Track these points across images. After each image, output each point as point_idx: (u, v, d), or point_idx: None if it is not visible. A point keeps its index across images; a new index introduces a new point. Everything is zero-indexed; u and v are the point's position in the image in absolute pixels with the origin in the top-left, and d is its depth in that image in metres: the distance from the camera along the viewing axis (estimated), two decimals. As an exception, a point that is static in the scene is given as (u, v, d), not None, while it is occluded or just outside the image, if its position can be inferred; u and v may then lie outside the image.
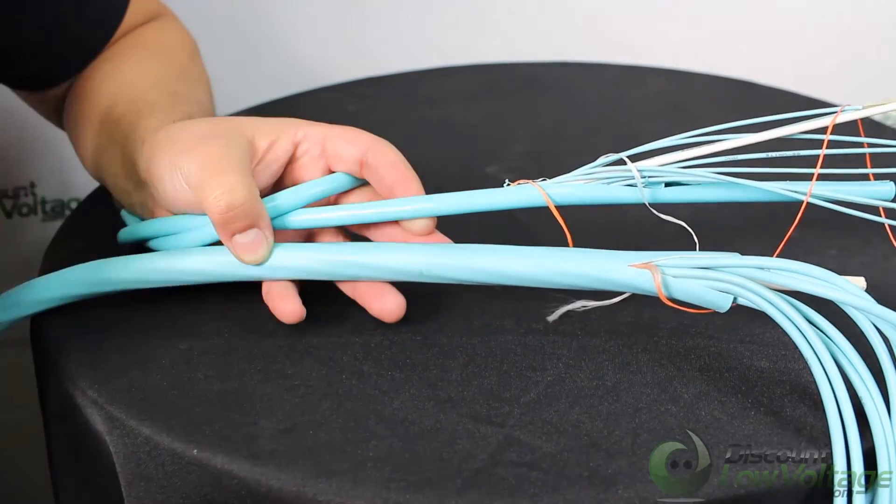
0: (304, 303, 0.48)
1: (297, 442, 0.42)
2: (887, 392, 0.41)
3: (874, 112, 0.47)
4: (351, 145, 0.50)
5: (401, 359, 0.47)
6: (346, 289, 0.50)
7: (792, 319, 0.42)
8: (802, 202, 0.46)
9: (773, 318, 0.42)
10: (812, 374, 0.41)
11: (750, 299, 0.43)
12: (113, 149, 0.55)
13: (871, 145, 0.48)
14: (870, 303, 0.41)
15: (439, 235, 0.50)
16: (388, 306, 0.48)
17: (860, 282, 0.44)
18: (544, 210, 0.48)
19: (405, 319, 0.48)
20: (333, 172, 0.51)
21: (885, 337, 0.42)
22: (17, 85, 0.64)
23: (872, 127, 0.49)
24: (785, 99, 0.77)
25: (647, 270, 0.44)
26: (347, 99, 0.80)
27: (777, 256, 0.44)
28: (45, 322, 0.51)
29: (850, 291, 0.42)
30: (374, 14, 1.09)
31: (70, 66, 0.62)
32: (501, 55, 0.90)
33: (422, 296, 0.50)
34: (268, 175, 0.50)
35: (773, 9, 1.07)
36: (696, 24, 1.08)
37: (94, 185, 0.62)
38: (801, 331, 0.42)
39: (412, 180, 0.49)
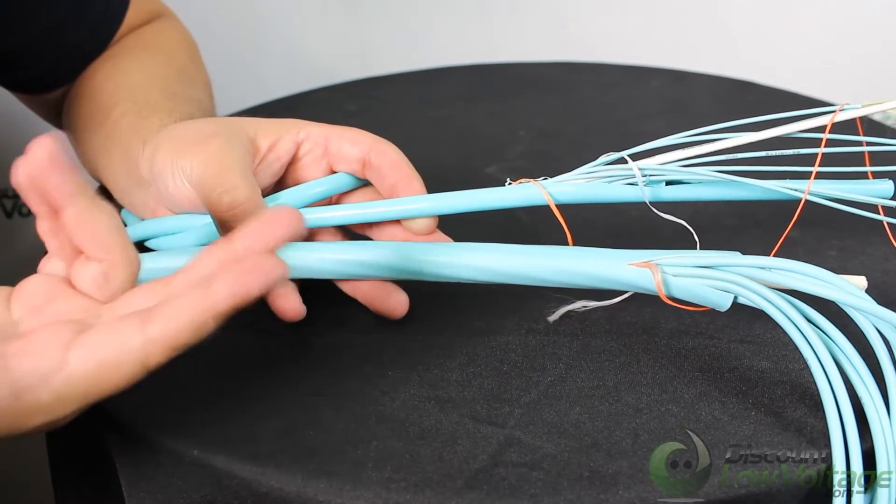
0: (304, 303, 0.48)
1: (297, 442, 0.42)
2: (887, 392, 0.41)
3: (873, 111, 0.47)
4: (353, 145, 0.50)
5: (401, 359, 0.47)
6: (347, 288, 0.50)
7: (792, 319, 0.42)
8: (801, 200, 0.46)
9: (773, 317, 0.42)
10: (811, 374, 0.42)
11: (750, 298, 0.43)
12: (113, 149, 0.55)
13: (869, 144, 0.48)
14: (869, 303, 0.41)
15: (440, 234, 0.50)
16: (392, 304, 0.48)
17: (861, 281, 0.44)
18: (545, 209, 0.48)
19: (405, 319, 0.49)
20: (335, 172, 0.51)
21: (885, 337, 0.42)
22: (16, 88, 0.64)
23: (871, 126, 0.49)
24: (784, 99, 0.77)
25: (647, 269, 0.44)
26: (347, 99, 0.80)
27: (777, 255, 0.44)
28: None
29: (849, 291, 0.42)
30: (374, 14, 1.09)
31: (70, 69, 0.62)
32: (501, 55, 0.90)
33: (422, 296, 0.50)
34: (269, 175, 0.50)
35: (772, 9, 1.07)
36: (696, 24, 1.08)
37: (94, 184, 0.62)
38: (800, 330, 0.42)
39: (415, 180, 0.49)
